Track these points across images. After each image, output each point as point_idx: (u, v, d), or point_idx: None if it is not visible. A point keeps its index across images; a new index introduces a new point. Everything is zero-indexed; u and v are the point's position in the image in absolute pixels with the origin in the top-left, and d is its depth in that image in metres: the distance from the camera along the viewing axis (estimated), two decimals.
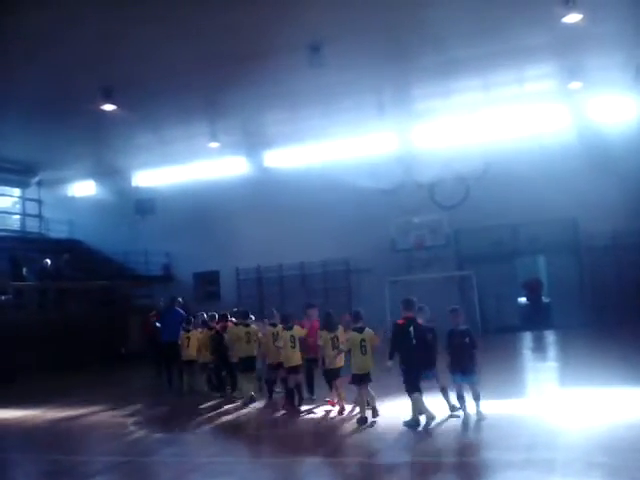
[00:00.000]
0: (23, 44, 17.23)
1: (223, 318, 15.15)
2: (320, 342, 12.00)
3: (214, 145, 27.81)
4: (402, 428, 9.99)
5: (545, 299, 29.04)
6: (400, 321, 10.51)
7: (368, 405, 10.90)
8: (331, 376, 11.92)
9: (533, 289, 29.82)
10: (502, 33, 18.99)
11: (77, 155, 30.04)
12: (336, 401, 11.92)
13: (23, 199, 34.39)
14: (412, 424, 10.01)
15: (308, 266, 28.71)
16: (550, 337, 24.28)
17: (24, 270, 24.40)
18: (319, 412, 11.97)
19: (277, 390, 13.48)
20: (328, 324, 11.95)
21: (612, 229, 24.52)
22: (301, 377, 12.74)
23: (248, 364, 13.55)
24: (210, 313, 15.65)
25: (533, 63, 21.93)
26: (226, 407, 13.32)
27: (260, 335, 13.55)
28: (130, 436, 11.47)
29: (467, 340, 10.47)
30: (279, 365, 12.79)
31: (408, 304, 10.62)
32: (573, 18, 16.81)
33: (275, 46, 18.37)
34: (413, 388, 10.18)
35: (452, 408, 10.67)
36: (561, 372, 15.97)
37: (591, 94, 24.79)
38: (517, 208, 25.14)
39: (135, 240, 31.15)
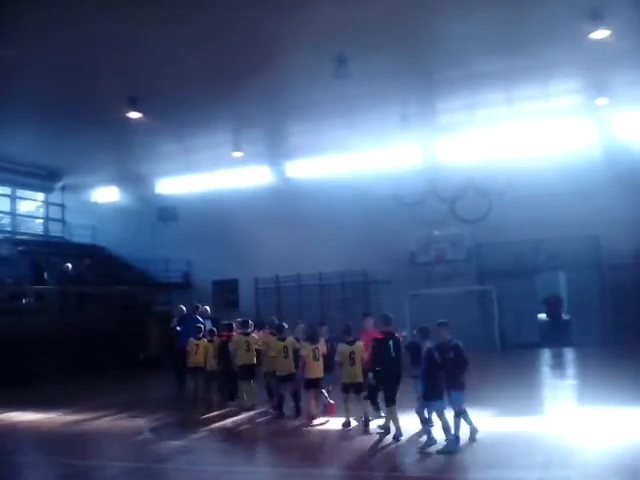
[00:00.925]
0: (50, 52, 17.45)
1: (228, 327, 15.27)
2: (303, 352, 12.46)
3: (237, 154, 27.93)
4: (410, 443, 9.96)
5: (565, 316, 28.79)
6: (379, 335, 10.89)
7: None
8: (312, 385, 12.40)
9: (553, 305, 29.58)
10: (528, 48, 18.92)
11: (101, 161, 30.32)
12: (315, 412, 12.34)
13: (46, 203, 34.74)
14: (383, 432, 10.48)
15: (326, 276, 28.68)
16: (569, 354, 24.05)
17: (45, 274, 24.59)
18: (336, 424, 11.97)
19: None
20: (310, 336, 12.51)
21: (634, 247, 24.27)
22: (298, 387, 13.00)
23: (247, 372, 14.05)
24: (223, 322, 15.79)
25: (559, 78, 21.83)
26: (241, 416, 13.35)
27: (260, 344, 14.06)
28: (145, 442, 11.52)
29: (452, 356, 9.94)
30: (289, 377, 12.97)
31: (387, 319, 11.07)
32: (601, 34, 16.73)
33: (300, 57, 18.48)
34: (391, 401, 10.54)
35: (473, 431, 10.14)
36: (579, 390, 15.83)
37: (617, 110, 24.60)
38: (539, 224, 24.94)
39: (156, 247, 31.32)
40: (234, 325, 15.26)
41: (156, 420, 13.60)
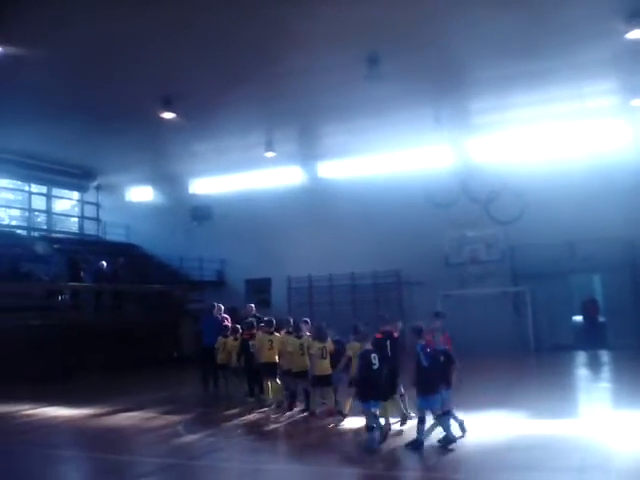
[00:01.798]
0: (86, 52, 17.66)
1: (249, 326, 15.49)
2: (312, 351, 12.98)
3: (270, 155, 28.06)
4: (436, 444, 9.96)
5: (600, 318, 28.46)
6: (379, 335, 11.26)
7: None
8: (319, 382, 12.84)
9: (589, 308, 29.26)
10: (562, 48, 18.68)
11: (135, 161, 30.66)
12: (332, 407, 12.77)
13: (82, 202, 35.23)
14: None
15: (359, 277, 28.67)
16: (604, 357, 23.77)
17: (82, 272, 24.92)
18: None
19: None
20: (319, 335, 12.95)
21: None
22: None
23: (270, 369, 14.35)
24: (248, 320, 15.98)
25: (594, 79, 21.54)
26: (269, 413, 13.44)
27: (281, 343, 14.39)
28: (179, 439, 11.61)
29: (442, 359, 10.33)
30: (303, 374, 13.33)
31: (383, 319, 11.78)
32: (637, 34, 16.52)
33: (332, 58, 18.50)
34: (389, 396, 11.01)
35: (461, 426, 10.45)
36: (614, 393, 15.64)
37: None
38: (574, 225, 24.66)
39: (190, 246, 31.61)
40: (255, 324, 15.54)
41: (189, 417, 13.71)
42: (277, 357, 14.31)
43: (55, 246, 29.16)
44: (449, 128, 25.77)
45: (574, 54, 19.16)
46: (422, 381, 9.98)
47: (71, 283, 24.31)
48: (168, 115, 21.56)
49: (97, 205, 35.44)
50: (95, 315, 24.10)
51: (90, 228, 35.21)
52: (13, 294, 22.36)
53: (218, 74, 19.57)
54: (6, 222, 33.15)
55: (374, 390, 10.28)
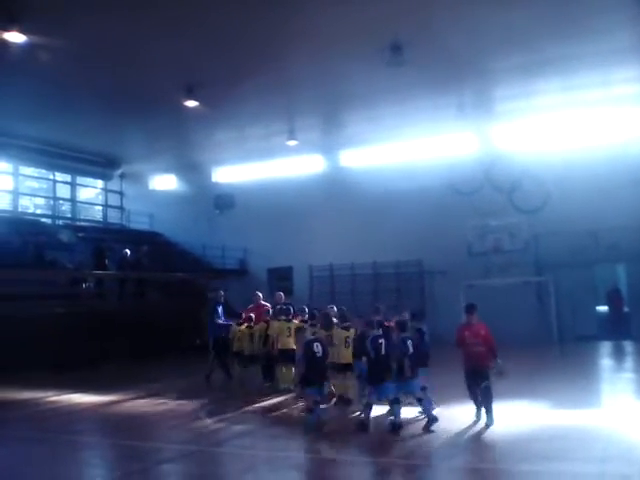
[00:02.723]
0: (109, 41, 17.70)
1: (286, 313, 15.61)
2: (335, 341, 13.16)
3: (292, 143, 28.05)
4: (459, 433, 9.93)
5: (625, 308, 28.15)
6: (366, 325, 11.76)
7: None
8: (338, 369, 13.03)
9: (614, 298, 28.96)
10: (587, 35, 18.45)
11: (158, 149, 30.82)
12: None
13: (105, 191, 35.45)
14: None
15: (381, 266, 28.62)
16: (628, 348, 23.55)
17: (107, 260, 25.11)
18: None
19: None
20: (325, 324, 13.16)
21: None
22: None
23: (287, 355, 14.54)
24: (281, 307, 16.03)
25: (619, 66, 21.25)
26: (296, 402, 13.44)
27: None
28: (201, 426, 11.72)
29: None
30: None
31: (376, 309, 12.76)
32: None
33: (355, 46, 18.39)
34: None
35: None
36: (638, 384, 15.50)
37: None
38: (598, 214, 24.35)
39: (213, 235, 31.76)
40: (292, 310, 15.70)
41: (211, 404, 13.81)
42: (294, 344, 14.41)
43: (79, 234, 29.43)
44: (472, 115, 25.58)
45: (599, 41, 18.88)
46: (370, 371, 10.82)
47: (95, 271, 24.52)
48: (191, 103, 21.61)
49: (121, 193, 35.66)
50: (119, 303, 24.30)
51: (114, 216, 35.46)
52: (38, 282, 22.63)
53: (240, 62, 19.52)
54: (31, 210, 33.47)
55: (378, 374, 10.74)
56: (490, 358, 10.73)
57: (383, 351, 10.73)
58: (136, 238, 31.06)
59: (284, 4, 16.03)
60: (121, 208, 35.61)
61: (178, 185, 35.40)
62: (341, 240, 28.73)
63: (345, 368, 12.92)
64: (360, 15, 16.69)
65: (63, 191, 33.82)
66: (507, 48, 19.47)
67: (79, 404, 14.58)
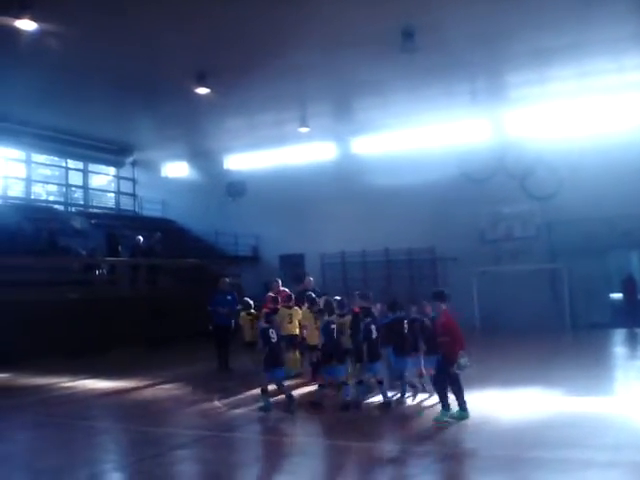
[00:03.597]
0: (121, 29, 17.73)
1: (312, 300, 15.47)
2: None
3: (304, 130, 28.00)
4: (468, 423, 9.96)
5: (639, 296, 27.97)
6: (357, 310, 12.34)
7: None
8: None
9: (628, 285, 28.78)
10: (603, 20, 18.29)
11: (170, 137, 30.86)
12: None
13: (118, 178, 35.58)
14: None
15: (393, 253, 28.59)
16: None
17: (120, 247, 25.20)
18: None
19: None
20: (328, 310, 12.91)
21: None
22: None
23: (289, 341, 14.62)
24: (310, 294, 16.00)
25: (634, 52, 21.09)
26: (305, 388, 13.47)
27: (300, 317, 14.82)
28: (214, 411, 11.77)
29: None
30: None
31: (365, 296, 12.73)
32: None
33: (367, 32, 18.30)
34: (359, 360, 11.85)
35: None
36: None
37: None
38: (611, 201, 24.19)
39: (225, 222, 31.83)
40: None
41: (225, 389, 13.85)
42: (297, 331, 14.65)
43: (92, 221, 29.56)
44: (485, 102, 25.45)
45: (614, 27, 18.76)
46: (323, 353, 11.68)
47: (108, 258, 24.61)
48: (203, 90, 21.60)
49: (133, 181, 35.79)
50: (131, 289, 24.39)
51: (126, 203, 35.61)
52: (51, 268, 22.72)
53: (252, 49, 19.48)
54: (44, 197, 33.66)
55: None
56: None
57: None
58: (149, 225, 31.17)
59: None
60: (133, 195, 35.74)
61: (190, 172, 35.46)
62: (353, 227, 28.72)
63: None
64: (372, 1, 16.60)
65: (75, 178, 33.96)
66: (521, 34, 19.35)
67: (93, 390, 14.68)
